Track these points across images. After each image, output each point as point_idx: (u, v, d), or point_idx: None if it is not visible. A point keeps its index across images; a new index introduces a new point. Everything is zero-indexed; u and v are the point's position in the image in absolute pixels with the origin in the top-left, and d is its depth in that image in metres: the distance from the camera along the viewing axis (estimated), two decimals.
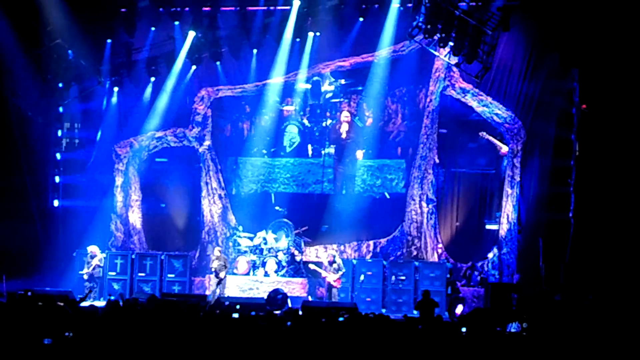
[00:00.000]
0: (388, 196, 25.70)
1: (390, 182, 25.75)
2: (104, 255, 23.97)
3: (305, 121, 26.23)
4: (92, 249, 23.54)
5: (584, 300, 20.15)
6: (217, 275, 22.91)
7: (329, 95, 25.96)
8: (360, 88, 25.77)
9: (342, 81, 25.85)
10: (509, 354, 11.24)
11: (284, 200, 25.82)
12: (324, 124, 26.16)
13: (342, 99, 25.97)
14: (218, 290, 22.72)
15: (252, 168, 26.43)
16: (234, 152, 26.53)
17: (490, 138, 24.34)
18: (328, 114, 26.15)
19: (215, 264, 23.11)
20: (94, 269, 23.30)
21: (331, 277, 22.50)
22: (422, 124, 25.18)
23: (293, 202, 25.81)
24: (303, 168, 26.31)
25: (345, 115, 25.98)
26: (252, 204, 26.06)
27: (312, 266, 23.14)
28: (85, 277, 23.28)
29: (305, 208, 25.71)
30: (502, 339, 12.39)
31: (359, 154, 25.84)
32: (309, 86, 25.85)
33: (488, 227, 24.68)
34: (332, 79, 25.86)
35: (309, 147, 26.31)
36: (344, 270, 22.76)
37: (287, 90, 25.94)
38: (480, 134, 24.47)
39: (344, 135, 26.04)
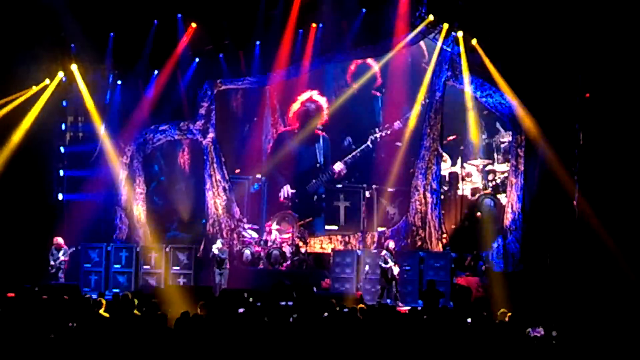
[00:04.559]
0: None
1: None
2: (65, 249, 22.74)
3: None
4: (57, 241, 22.64)
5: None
6: (220, 267, 22.79)
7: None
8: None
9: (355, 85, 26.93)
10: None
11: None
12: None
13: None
14: (222, 282, 22.64)
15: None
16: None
17: None
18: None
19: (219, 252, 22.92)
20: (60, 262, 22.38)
21: (396, 270, 21.89)
22: (425, 116, 25.29)
23: (293, 198, 26.08)
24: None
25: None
26: (253, 201, 26.26)
27: (383, 264, 21.75)
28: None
29: (306, 203, 25.88)
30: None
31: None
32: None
33: None
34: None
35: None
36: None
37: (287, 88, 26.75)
38: None
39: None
